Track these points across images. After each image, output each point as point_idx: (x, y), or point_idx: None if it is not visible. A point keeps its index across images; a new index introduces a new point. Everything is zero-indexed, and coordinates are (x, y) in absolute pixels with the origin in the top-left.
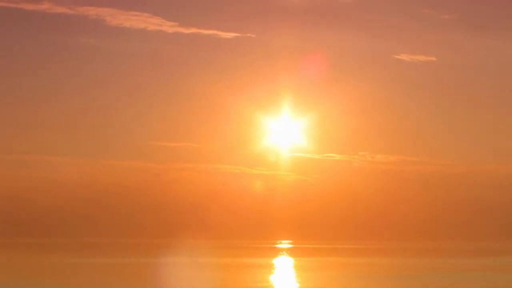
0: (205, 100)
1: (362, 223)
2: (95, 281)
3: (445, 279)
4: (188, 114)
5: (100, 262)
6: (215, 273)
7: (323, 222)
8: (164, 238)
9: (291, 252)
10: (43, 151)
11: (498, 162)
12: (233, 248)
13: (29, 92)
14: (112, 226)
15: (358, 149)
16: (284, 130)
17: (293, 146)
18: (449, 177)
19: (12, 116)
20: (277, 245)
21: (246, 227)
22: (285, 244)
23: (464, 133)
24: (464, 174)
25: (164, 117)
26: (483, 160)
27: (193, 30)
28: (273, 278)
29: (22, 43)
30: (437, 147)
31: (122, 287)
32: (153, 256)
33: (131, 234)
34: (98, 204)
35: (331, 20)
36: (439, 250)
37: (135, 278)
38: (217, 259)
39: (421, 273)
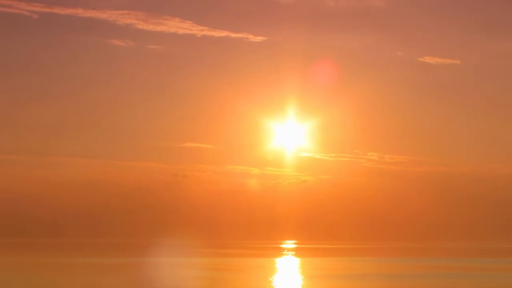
0: (215, 101)
1: (371, 223)
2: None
3: (454, 278)
4: (197, 115)
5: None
6: (224, 274)
7: (334, 221)
8: (171, 238)
9: (303, 252)
10: (57, 152)
11: None
12: (243, 248)
13: (56, 93)
14: (121, 226)
15: (367, 150)
16: (294, 131)
17: (303, 147)
18: (457, 177)
19: (43, 118)
20: (289, 245)
21: (254, 227)
22: (292, 244)
23: (483, 135)
24: (474, 175)
25: (174, 118)
26: (500, 161)
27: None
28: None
29: (54, 45)
30: (453, 149)
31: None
32: (153, 256)
33: (136, 234)
34: (113, 205)
35: (358, 24)
36: (449, 250)
37: (131, 277)
38: (225, 260)
39: (436, 272)
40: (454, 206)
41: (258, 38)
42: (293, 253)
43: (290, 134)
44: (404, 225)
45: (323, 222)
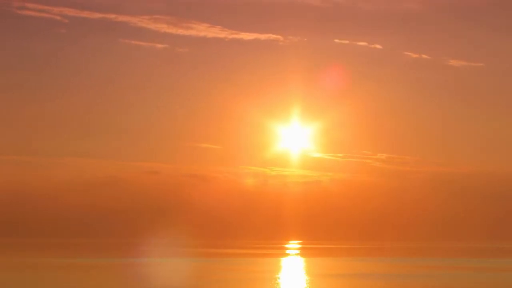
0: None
1: (381, 223)
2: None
3: (464, 278)
4: (206, 116)
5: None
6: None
7: (344, 220)
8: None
9: (320, 252)
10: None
11: None
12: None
13: (83, 93)
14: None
15: (377, 150)
16: (303, 133)
17: (314, 148)
18: (465, 178)
19: (71, 118)
20: (305, 245)
21: (263, 226)
22: (301, 243)
23: (502, 137)
24: (487, 176)
25: (185, 119)
26: None
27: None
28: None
29: (86, 48)
30: (469, 151)
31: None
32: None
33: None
34: (120, 205)
35: (386, 26)
36: (459, 250)
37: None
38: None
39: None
40: (464, 207)
41: (289, 39)
42: (297, 252)
43: (297, 136)
44: (414, 225)
45: (335, 222)
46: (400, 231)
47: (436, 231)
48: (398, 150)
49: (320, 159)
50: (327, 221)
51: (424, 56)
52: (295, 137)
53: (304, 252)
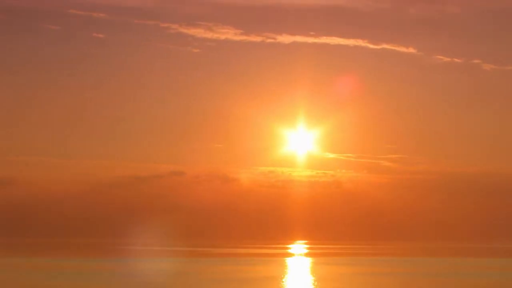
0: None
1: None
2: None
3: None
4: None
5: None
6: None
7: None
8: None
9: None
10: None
11: None
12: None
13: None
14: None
15: (388, 152)
16: (311, 135)
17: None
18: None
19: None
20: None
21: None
22: (308, 244)
23: None
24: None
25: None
26: None
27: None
28: None
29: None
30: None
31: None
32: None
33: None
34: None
35: (419, 30)
36: (470, 250)
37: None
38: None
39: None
40: (478, 207)
41: (310, 40)
42: (304, 252)
43: (306, 137)
44: (427, 225)
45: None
46: (421, 231)
47: (448, 231)
48: (411, 151)
49: (335, 160)
50: (343, 222)
51: (456, 60)
52: (304, 139)
53: (327, 253)
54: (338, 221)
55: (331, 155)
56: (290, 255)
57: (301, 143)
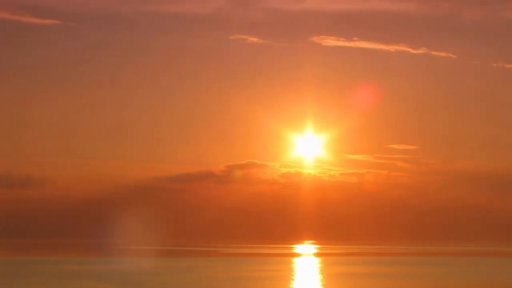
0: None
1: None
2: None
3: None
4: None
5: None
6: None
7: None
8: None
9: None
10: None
11: None
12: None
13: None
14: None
15: (401, 152)
16: (318, 137)
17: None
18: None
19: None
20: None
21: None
22: (321, 245)
23: None
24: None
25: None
26: None
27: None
28: None
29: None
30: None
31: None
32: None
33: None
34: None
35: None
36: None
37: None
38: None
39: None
40: (484, 210)
41: (334, 42)
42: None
43: (313, 140)
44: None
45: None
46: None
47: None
48: (425, 150)
49: (353, 160)
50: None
51: (492, 64)
52: (314, 141)
53: (348, 253)
54: (355, 222)
55: (350, 156)
56: (298, 255)
57: (310, 145)
